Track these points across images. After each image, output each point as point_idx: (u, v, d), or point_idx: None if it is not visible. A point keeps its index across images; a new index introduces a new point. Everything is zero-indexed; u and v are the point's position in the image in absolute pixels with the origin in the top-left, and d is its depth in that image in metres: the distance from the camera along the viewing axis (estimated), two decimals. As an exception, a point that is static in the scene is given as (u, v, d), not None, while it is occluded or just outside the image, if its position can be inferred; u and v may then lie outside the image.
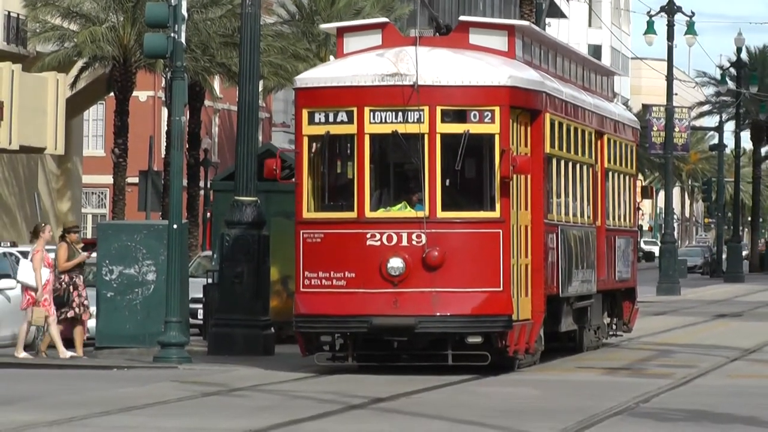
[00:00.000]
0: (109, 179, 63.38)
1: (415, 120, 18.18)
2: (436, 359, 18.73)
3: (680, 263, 74.84)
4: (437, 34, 21.42)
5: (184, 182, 48.92)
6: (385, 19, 21.23)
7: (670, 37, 69.18)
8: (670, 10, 68.89)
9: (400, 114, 18.29)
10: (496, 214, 18.46)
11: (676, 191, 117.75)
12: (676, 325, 40.17)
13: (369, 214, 18.44)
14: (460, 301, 18.36)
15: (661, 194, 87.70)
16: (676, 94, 74.98)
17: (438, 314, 18.22)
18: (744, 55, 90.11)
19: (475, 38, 20.08)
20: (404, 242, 18.10)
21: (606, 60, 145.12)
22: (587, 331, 25.34)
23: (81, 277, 23.74)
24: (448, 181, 19.12)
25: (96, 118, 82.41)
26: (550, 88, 21.04)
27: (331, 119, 18.65)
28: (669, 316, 45.51)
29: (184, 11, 23.10)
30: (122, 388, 18.26)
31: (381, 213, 18.67)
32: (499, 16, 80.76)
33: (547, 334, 22.32)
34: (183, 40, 22.99)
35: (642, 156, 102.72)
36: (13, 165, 62.43)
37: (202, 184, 64.52)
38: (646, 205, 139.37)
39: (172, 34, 22.41)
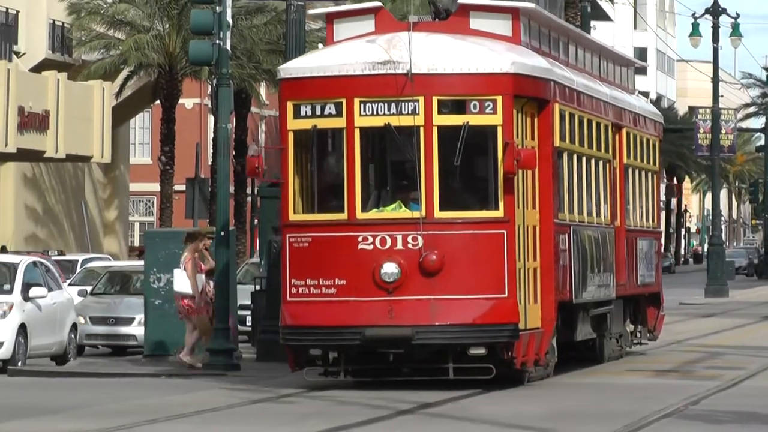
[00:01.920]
0: (156, 187, 63.30)
1: (410, 111, 16.66)
2: (435, 372, 17.02)
3: (728, 265, 74.73)
4: (437, 19, 19.48)
5: (231, 189, 47.50)
6: (378, 3, 18.85)
7: (715, 39, 71.38)
8: (715, 12, 69.22)
9: (393, 105, 16.76)
10: (499, 213, 16.81)
11: (723, 193, 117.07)
12: (724, 327, 39.80)
13: (360, 215, 16.91)
14: (461, 309, 16.70)
15: (708, 196, 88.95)
16: (721, 96, 75.48)
17: (437, 324, 16.59)
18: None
19: (476, 23, 18.33)
20: (399, 245, 16.55)
21: (652, 62, 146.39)
22: (608, 340, 23.68)
23: (211, 283, 23.72)
24: (446, 178, 17.36)
25: (142, 126, 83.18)
26: (559, 77, 19.43)
27: (318, 112, 17.10)
28: (717, 318, 45.52)
29: (229, 18, 23.14)
30: (170, 396, 17.97)
31: (373, 214, 17.12)
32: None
33: (562, 344, 20.80)
34: (228, 47, 23.09)
35: (689, 158, 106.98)
36: (60, 174, 62.76)
37: (249, 190, 63.95)
38: (693, 207, 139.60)
39: (218, 42, 22.49)
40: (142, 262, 33.14)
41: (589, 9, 47.47)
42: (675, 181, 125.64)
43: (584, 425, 13.84)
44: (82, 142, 55.51)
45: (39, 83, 54.37)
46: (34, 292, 25.29)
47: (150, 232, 48.89)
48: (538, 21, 19.68)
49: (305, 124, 16.98)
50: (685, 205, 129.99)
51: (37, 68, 57.05)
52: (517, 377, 17.79)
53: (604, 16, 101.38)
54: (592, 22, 55.49)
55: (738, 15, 70.84)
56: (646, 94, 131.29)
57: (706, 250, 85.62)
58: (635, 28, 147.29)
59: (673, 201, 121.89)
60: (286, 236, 17.36)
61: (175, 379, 22.01)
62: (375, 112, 16.69)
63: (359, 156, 16.93)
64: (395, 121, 16.56)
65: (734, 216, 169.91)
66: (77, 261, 44.93)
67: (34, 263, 27.71)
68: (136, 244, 69.76)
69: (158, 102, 61.33)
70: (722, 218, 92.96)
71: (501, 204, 16.70)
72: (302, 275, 16.81)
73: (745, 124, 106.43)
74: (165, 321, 25.07)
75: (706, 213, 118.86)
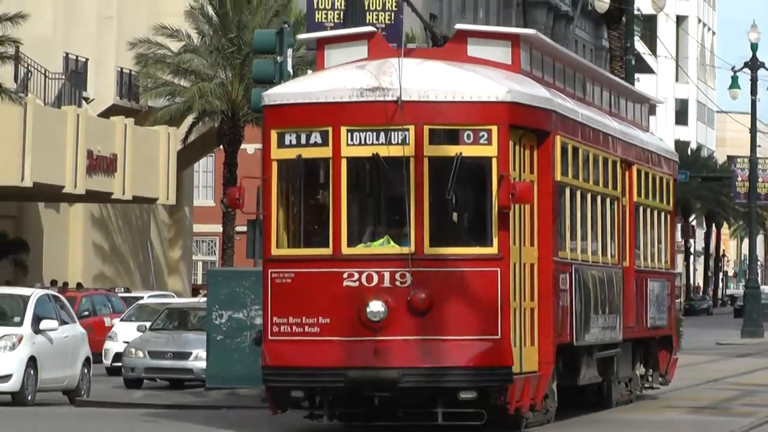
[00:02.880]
0: (218, 228, 64.03)
1: (400, 141, 15.12)
2: (424, 417, 15.32)
3: (763, 307, 73.05)
4: (434, 46, 18.43)
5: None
6: (371, 29, 17.84)
7: (754, 91, 71.22)
8: (754, 65, 69.04)
9: (382, 134, 15.19)
10: (493, 250, 15.17)
11: (759, 239, 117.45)
12: (759, 366, 39.42)
13: (346, 250, 15.29)
14: (451, 350, 15.08)
15: (746, 242, 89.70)
16: (759, 146, 75.75)
17: (425, 366, 15.00)
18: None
19: (474, 49, 16.86)
20: (386, 283, 14.95)
21: (692, 114, 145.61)
22: (616, 384, 21.97)
23: None
24: (437, 213, 15.73)
25: (206, 169, 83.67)
26: (561, 107, 17.74)
27: (303, 141, 15.59)
28: (753, 357, 45.28)
29: (289, 68, 23.33)
30: (225, 429, 17.82)
31: (360, 249, 15.46)
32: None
33: (566, 387, 19.27)
34: (288, 95, 24.32)
35: (727, 205, 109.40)
36: (126, 215, 63.71)
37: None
38: (731, 251, 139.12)
39: (278, 91, 24.13)
40: (197, 299, 33.40)
41: (633, 62, 47.14)
42: (714, 227, 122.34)
43: None
44: (149, 184, 56.00)
45: (107, 128, 55.04)
46: (45, 324, 24.48)
47: (212, 271, 48.54)
48: (541, 49, 18.28)
49: (290, 154, 15.49)
50: (723, 250, 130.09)
51: (106, 113, 57.58)
52: (513, 423, 16.30)
53: (647, 69, 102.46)
54: (636, 75, 55.87)
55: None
56: (686, 144, 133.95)
57: (742, 293, 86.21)
58: (677, 80, 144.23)
59: (712, 246, 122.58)
60: (268, 271, 15.74)
61: (236, 411, 21.89)
62: (363, 142, 15.23)
63: (345, 188, 15.41)
64: (384, 151, 15.08)
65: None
66: (142, 298, 45.69)
67: (47, 296, 26.70)
68: (199, 282, 69.66)
69: (221, 147, 61.56)
70: (759, 262, 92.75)
71: (495, 240, 15.16)
72: (284, 313, 15.39)
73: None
74: (227, 355, 24.70)
75: (743, 258, 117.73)
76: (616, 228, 20.90)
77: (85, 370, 25.91)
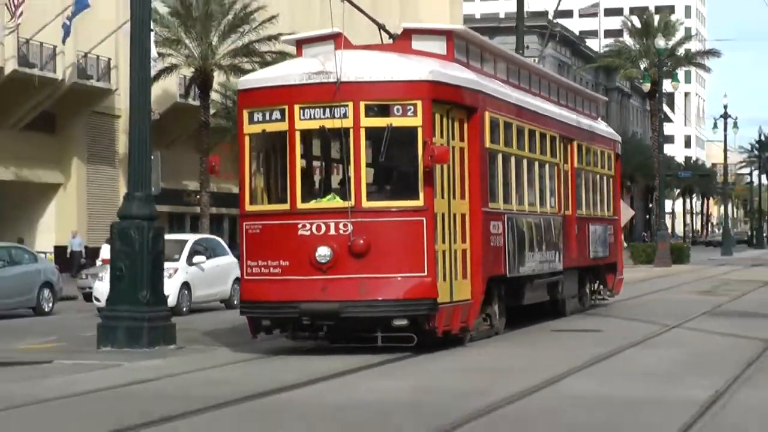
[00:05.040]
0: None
1: (341, 115, 15.69)
2: (368, 340, 15.87)
3: (732, 240, 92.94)
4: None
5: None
6: (337, 30, 17.59)
7: (725, 129, 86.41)
8: (726, 116, 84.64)
9: (327, 110, 15.78)
10: (419, 202, 15.73)
11: (730, 205, 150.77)
12: (730, 269, 50.56)
13: (300, 205, 15.95)
14: (385, 286, 15.67)
15: (721, 208, 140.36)
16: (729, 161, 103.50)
17: (363, 299, 15.55)
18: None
19: (417, 44, 17.58)
20: (332, 231, 15.59)
21: (693, 142, 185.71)
22: (569, 299, 23.48)
23: None
24: (373, 173, 16.83)
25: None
26: (490, 89, 18.44)
27: (266, 118, 16.33)
28: (726, 266, 56.93)
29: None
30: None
31: (311, 204, 16.09)
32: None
33: (533, 305, 20.82)
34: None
35: (713, 188, 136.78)
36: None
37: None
38: (715, 214, 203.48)
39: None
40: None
41: (662, 116, 60.53)
42: (706, 201, 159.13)
43: (646, 324, 19.63)
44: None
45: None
46: (196, 259, 27.27)
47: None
48: (473, 42, 18.80)
49: (257, 129, 16.25)
50: (710, 214, 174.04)
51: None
52: (458, 339, 16.92)
53: (668, 120, 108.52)
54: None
55: (736, 117, 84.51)
56: (690, 157, 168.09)
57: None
58: (685, 125, 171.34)
59: (705, 211, 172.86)
60: (243, 224, 16.80)
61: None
62: (312, 117, 15.86)
63: (299, 155, 16.23)
64: (329, 124, 15.77)
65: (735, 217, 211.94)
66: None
67: (198, 240, 29.28)
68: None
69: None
70: (729, 218, 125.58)
71: (421, 195, 15.69)
72: (255, 257, 16.17)
73: (741, 171, 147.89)
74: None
75: (721, 216, 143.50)
76: (556, 186, 22.22)
77: (236, 286, 26.93)
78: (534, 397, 11.51)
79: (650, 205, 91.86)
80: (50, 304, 28.10)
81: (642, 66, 67.34)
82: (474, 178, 17.10)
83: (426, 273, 15.43)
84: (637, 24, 71.99)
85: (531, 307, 20.99)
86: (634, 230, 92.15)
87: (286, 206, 16.03)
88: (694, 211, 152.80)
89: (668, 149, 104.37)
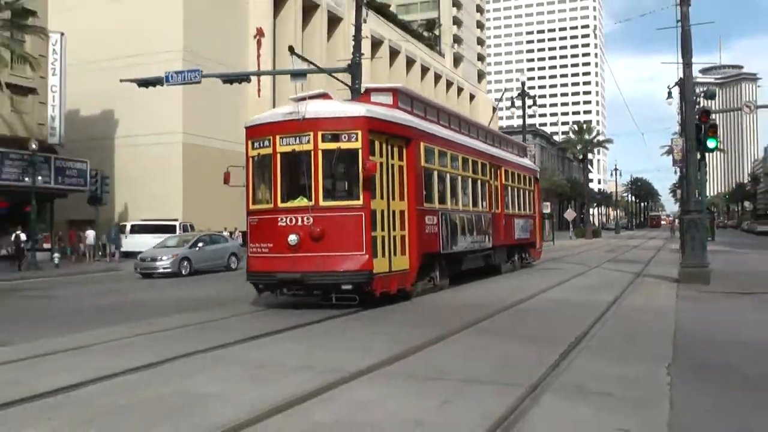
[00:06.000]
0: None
1: (306, 142, 18.74)
2: (328, 299, 19.13)
3: (620, 227, 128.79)
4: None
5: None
6: (323, 91, 21.78)
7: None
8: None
9: (296, 138, 18.83)
10: (359, 202, 18.54)
11: (618, 211, 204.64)
12: (619, 240, 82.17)
13: (280, 205, 18.89)
14: (336, 261, 18.38)
15: (614, 212, 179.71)
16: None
17: (319, 270, 18.30)
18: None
19: (374, 98, 21.34)
20: (299, 223, 18.60)
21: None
22: (503, 264, 30.37)
23: None
24: (327, 182, 19.14)
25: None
26: (424, 126, 21.76)
27: (261, 145, 19.33)
28: (616, 239, 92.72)
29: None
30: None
31: (287, 204, 18.93)
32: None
33: (464, 271, 25.72)
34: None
35: (611, 203, 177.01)
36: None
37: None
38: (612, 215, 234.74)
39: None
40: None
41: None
42: (608, 209, 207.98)
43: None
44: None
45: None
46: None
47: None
48: (410, 96, 22.50)
49: (255, 153, 19.44)
50: (609, 215, 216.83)
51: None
52: (406, 294, 20.53)
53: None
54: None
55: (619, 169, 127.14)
56: (601, 188, 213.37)
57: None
58: (597, 172, 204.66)
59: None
60: (248, 219, 19.72)
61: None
62: (287, 143, 18.98)
63: (280, 170, 19.05)
64: (298, 148, 18.83)
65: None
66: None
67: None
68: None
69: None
70: (618, 217, 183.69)
71: (361, 197, 18.60)
72: (255, 241, 19.29)
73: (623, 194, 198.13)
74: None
75: (615, 216, 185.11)
76: (487, 194, 27.35)
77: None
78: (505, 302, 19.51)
79: (582, 211, 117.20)
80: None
81: (578, 146, 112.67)
82: (410, 186, 20.48)
83: (364, 252, 18.49)
84: (576, 128, 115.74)
85: (477, 270, 26.80)
86: (576, 222, 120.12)
87: (271, 206, 19.11)
88: (601, 213, 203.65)
89: (590, 185, 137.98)
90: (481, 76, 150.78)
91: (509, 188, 30.49)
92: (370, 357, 11.20)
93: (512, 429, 7.59)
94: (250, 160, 19.62)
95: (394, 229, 19.66)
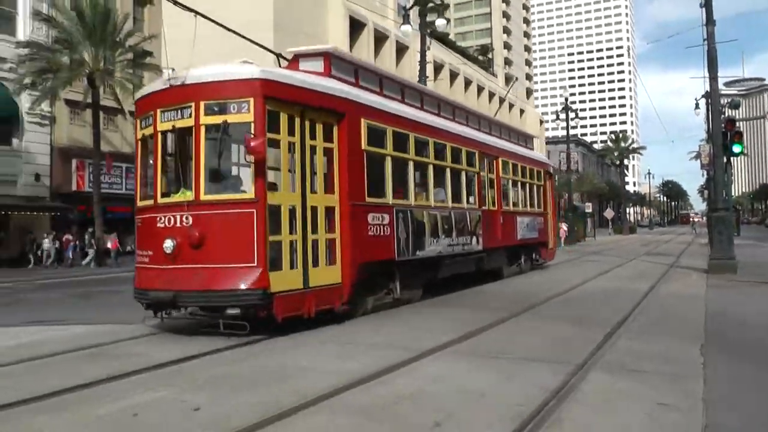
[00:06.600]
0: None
1: (188, 116, 12.80)
2: (215, 326, 12.66)
3: (653, 224, 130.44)
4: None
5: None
6: (330, 48, 15.53)
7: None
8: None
9: (179, 112, 12.94)
10: (250, 195, 12.49)
11: (652, 210, 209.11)
12: (653, 236, 78.77)
13: (159, 200, 13.14)
14: (219, 276, 12.34)
15: (648, 211, 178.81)
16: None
17: (196, 289, 12.32)
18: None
19: (303, 65, 15.01)
20: (178, 224, 12.79)
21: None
22: (505, 268, 23.68)
23: None
24: (210, 168, 12.93)
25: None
26: (368, 101, 15.20)
27: (145, 124, 13.67)
28: (650, 234, 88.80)
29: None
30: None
31: (166, 199, 13.07)
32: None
33: (473, 273, 20.23)
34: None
35: (645, 203, 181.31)
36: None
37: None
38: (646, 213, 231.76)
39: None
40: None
41: None
42: (643, 208, 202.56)
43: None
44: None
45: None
46: None
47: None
48: (353, 64, 15.89)
49: (140, 135, 13.91)
50: (644, 213, 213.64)
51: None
52: (349, 313, 14.44)
53: None
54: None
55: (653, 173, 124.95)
56: (636, 190, 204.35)
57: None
58: (633, 176, 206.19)
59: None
60: (135, 217, 14.11)
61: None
62: (168, 119, 13.07)
63: (161, 154, 13.29)
64: (179, 124, 12.96)
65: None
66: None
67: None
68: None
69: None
70: (652, 215, 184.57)
71: (252, 187, 12.51)
72: (139, 247, 13.67)
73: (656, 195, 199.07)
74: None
75: (649, 214, 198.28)
76: (476, 188, 20.41)
77: None
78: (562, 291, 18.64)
79: (620, 210, 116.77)
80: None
81: (615, 153, 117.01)
82: (343, 175, 14.27)
83: (256, 264, 12.24)
84: (613, 137, 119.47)
85: (469, 275, 20.34)
86: (614, 220, 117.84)
87: (151, 202, 13.42)
88: (636, 212, 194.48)
89: (626, 187, 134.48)
90: (529, 93, 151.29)
91: (510, 182, 23.86)
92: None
93: (564, 400, 7.48)
94: (138, 144, 14.00)
95: (315, 232, 13.48)
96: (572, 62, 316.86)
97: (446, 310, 14.95)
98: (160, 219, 12.81)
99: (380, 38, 70.70)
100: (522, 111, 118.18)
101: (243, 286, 12.03)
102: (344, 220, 14.11)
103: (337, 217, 13.96)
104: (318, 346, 10.89)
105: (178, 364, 9.95)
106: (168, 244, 12.43)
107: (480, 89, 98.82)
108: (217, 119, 12.43)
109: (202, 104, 12.53)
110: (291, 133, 12.94)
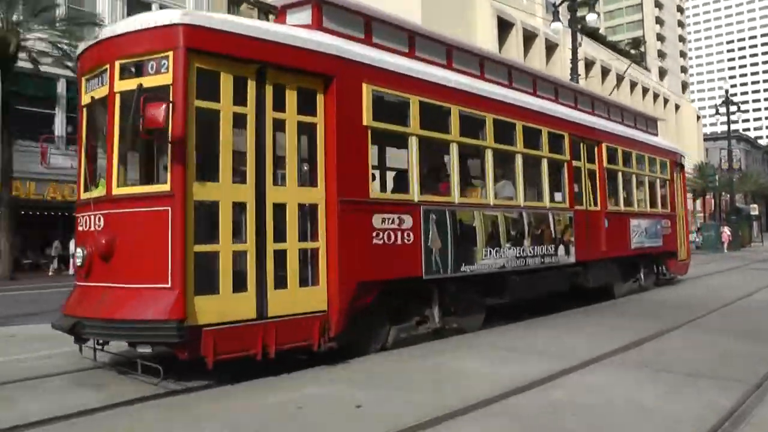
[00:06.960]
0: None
1: (105, 83, 8.92)
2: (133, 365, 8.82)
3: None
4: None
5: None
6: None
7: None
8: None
9: (99, 79, 9.13)
10: (165, 187, 8.30)
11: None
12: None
13: (82, 195, 9.39)
14: (123, 300, 8.31)
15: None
16: None
17: (100, 318, 8.42)
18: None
19: (291, 18, 10.87)
20: (92, 227, 8.94)
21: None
22: (618, 285, 18.75)
23: None
24: (125, 151, 8.95)
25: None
26: (368, 58, 10.56)
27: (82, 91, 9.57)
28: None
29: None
30: None
31: (87, 194, 9.29)
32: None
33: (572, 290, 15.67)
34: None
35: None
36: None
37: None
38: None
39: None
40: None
41: None
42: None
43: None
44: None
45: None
46: None
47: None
48: (347, 10, 11.23)
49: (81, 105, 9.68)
50: None
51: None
52: (353, 351, 10.47)
53: None
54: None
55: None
56: None
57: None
58: None
59: None
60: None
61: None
62: (91, 89, 9.34)
63: (86, 134, 9.47)
64: (97, 94, 9.14)
65: None
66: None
67: None
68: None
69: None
70: None
71: (168, 176, 8.34)
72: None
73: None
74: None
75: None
76: (565, 181, 15.69)
77: None
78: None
79: None
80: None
81: None
82: (330, 160, 9.89)
83: (170, 284, 8.22)
84: None
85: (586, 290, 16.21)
86: None
87: (80, 196, 9.45)
88: None
89: None
90: (684, 86, 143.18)
91: (621, 174, 18.46)
92: None
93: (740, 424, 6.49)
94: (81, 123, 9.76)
95: (281, 239, 9.23)
96: (732, 50, 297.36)
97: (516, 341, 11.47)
98: (81, 220, 9.24)
99: (529, 37, 69.54)
100: (677, 106, 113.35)
101: (150, 316, 8.10)
102: (331, 222, 9.78)
103: (319, 219, 9.72)
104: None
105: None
106: (79, 255, 8.94)
107: (633, 85, 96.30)
108: (132, 84, 8.56)
109: (117, 65, 8.82)
110: (240, 101, 8.92)
